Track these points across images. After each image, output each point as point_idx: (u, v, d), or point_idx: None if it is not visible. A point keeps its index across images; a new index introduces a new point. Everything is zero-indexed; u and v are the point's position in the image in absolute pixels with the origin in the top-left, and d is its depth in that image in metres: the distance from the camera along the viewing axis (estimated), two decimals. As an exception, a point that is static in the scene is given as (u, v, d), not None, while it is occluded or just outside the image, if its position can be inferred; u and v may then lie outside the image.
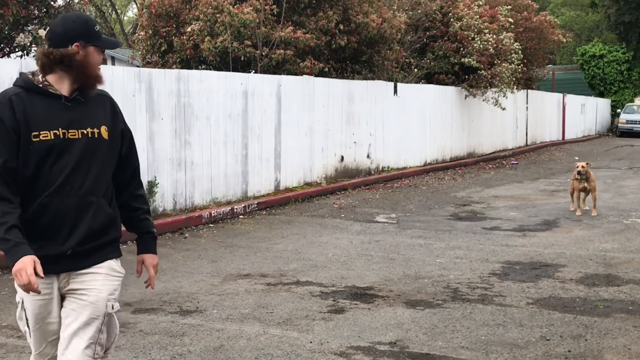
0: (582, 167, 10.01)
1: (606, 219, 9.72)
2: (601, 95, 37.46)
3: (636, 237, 8.39)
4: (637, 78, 37.09)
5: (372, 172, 14.58)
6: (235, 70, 11.87)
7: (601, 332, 4.93)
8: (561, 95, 29.61)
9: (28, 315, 2.86)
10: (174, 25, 12.95)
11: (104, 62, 13.88)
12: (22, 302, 2.86)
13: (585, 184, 10.02)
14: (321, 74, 13.06)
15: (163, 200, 9.28)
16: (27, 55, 8.17)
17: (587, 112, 33.32)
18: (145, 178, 8.98)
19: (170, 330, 4.98)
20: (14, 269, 2.62)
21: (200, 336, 4.86)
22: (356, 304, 5.63)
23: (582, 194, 10.21)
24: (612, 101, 37.51)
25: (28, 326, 2.89)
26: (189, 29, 12.25)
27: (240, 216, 10.01)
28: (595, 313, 5.38)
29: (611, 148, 24.97)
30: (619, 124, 33.55)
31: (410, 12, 17.27)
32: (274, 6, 12.47)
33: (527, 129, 24.61)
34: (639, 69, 37.03)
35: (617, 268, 6.82)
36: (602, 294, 5.91)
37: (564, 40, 25.31)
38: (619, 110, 35.84)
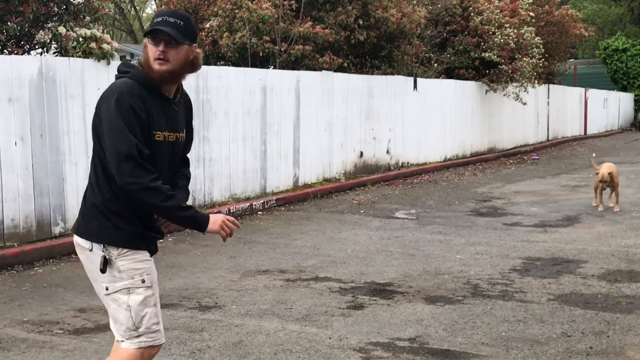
0: (607, 175, 9.70)
1: (629, 214, 9.60)
2: (624, 89, 37.03)
3: (660, 232, 8.29)
4: (661, 72, 36.60)
5: (392, 167, 14.53)
6: (253, 66, 11.88)
7: (623, 329, 4.88)
8: (583, 89, 29.32)
9: (154, 292, 2.98)
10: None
11: (377, 68, 14.12)
12: (148, 284, 2.96)
13: (609, 185, 9.88)
14: (340, 69, 13.03)
15: (182, 196, 9.30)
16: (47, 52, 8.23)
17: (609, 107, 32.98)
18: (164, 174, 9.00)
19: (189, 326, 5.00)
20: (214, 226, 2.94)
21: (219, 332, 4.87)
22: (375, 300, 5.63)
23: (607, 189, 10.10)
24: (635, 95, 37.05)
25: (154, 305, 2.98)
26: (207, 25, 12.28)
27: (259, 212, 10.03)
28: (618, 309, 5.33)
29: (631, 141, 24.69)
30: (643, 119, 33.16)
31: (430, 7, 17.18)
32: (293, 1, 12.46)
33: (548, 123, 24.39)
34: (662, 62, 36.55)
35: (640, 264, 6.74)
36: (625, 290, 5.85)
37: (586, 34, 25.07)
38: (642, 105, 35.44)
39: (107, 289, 2.94)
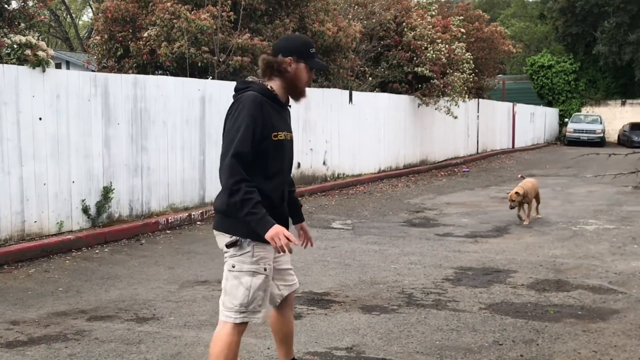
0: (517, 193, 9.95)
1: (555, 225, 9.98)
2: (549, 104, 38.46)
3: (584, 243, 8.62)
4: (584, 88, 38.20)
5: (328, 178, 14.70)
6: (192, 76, 11.85)
7: (552, 337, 5.03)
8: (511, 104, 30.26)
9: (267, 278, 3.55)
10: (131, 30, 12.85)
11: (314, 80, 13.91)
12: (268, 272, 3.55)
13: (523, 199, 10.06)
14: (278, 81, 13.10)
15: (119, 206, 9.21)
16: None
17: (536, 121, 34.12)
18: (100, 184, 8.91)
19: (126, 338, 4.94)
20: (270, 234, 3.29)
21: (157, 344, 4.82)
22: (313, 310, 5.66)
23: (525, 205, 10.35)
24: (560, 110, 38.53)
25: (265, 291, 3.56)
26: (145, 34, 12.17)
27: (198, 222, 10.00)
28: (546, 318, 5.50)
29: (559, 156, 25.62)
30: (567, 133, 34.46)
31: (365, 22, 17.49)
32: (231, 13, 12.49)
33: (478, 137, 25.07)
34: (585, 79, 38.15)
35: (567, 274, 6.99)
36: (553, 299, 6.05)
37: (514, 50, 25.91)
38: (566, 120, 36.86)
39: (233, 266, 3.52)
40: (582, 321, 5.42)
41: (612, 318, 5.49)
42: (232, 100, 3.56)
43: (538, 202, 10.76)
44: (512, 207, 10.07)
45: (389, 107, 17.45)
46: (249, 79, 3.60)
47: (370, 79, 17.59)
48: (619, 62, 35.18)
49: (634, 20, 34.25)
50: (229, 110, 3.49)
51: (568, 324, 5.33)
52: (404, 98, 18.21)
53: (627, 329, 5.19)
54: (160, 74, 12.33)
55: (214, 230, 3.60)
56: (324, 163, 14.59)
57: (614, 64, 35.69)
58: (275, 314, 3.91)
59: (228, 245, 3.47)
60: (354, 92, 15.73)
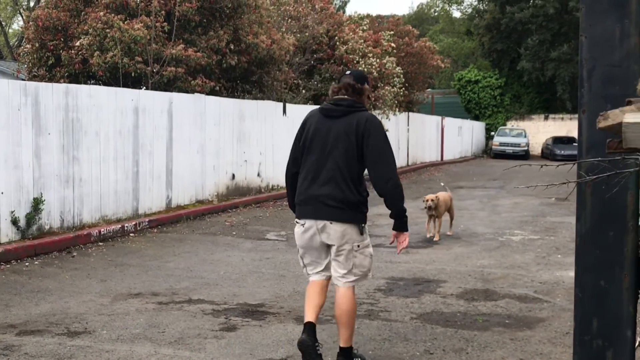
0: (432, 200, 9.93)
1: (483, 236, 10.30)
2: (476, 118, 39.59)
3: (511, 253, 8.93)
4: (509, 103, 39.51)
5: (263, 190, 14.76)
6: (125, 86, 11.74)
7: (481, 345, 5.18)
8: (440, 118, 31.02)
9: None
10: (62, 39, 12.63)
11: (248, 92, 13.85)
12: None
13: (433, 212, 10.00)
14: (212, 92, 13.14)
15: (50, 217, 9.03)
16: None
17: (463, 135, 35.04)
18: (30, 195, 8.72)
19: (57, 353, 4.85)
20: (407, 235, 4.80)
21: (89, 358, 4.76)
22: (248, 321, 5.68)
23: (435, 220, 10.17)
24: (486, 124, 39.71)
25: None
26: (77, 43, 12.00)
27: (131, 234, 9.89)
28: (475, 327, 5.66)
29: (486, 168, 26.36)
30: (493, 146, 35.55)
31: (299, 35, 17.68)
32: (165, 23, 12.45)
33: (408, 149, 25.58)
34: (510, 94, 39.48)
35: (494, 283, 7.23)
36: (481, 309, 6.24)
37: (443, 65, 26.59)
38: (492, 133, 38.01)
39: (360, 245, 4.56)
40: (509, 330, 5.60)
41: (538, 326, 5.70)
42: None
43: (452, 217, 10.54)
44: (429, 209, 9.90)
45: (322, 120, 17.62)
46: (347, 97, 4.58)
47: (303, 91, 17.78)
48: (542, 78, 36.58)
49: (556, 37, 35.71)
50: (357, 121, 4.46)
51: (496, 333, 5.50)
52: (336, 111, 18.43)
53: (552, 337, 5.41)
54: (93, 84, 12.17)
55: (336, 222, 4.47)
56: (258, 174, 14.64)
57: (537, 80, 37.07)
58: (325, 282, 4.75)
59: (360, 232, 4.57)
60: (287, 104, 15.86)
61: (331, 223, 4.45)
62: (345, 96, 4.55)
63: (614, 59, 2.38)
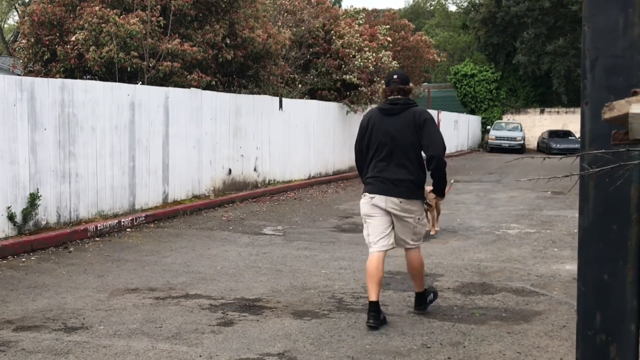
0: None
1: (479, 230, 10.32)
2: (472, 112, 39.60)
3: (507, 247, 8.94)
4: (505, 97, 39.51)
5: (259, 185, 14.76)
6: (121, 81, 11.70)
7: (478, 339, 5.20)
8: (436, 112, 31.02)
9: None
10: (58, 34, 12.59)
11: (244, 87, 14.50)
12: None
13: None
14: (208, 87, 13.11)
15: (46, 213, 9.02)
16: None
17: (459, 129, 35.05)
18: (27, 190, 8.71)
19: (54, 349, 4.85)
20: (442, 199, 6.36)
21: (86, 353, 4.76)
22: (245, 316, 5.69)
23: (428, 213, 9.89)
24: (482, 118, 39.71)
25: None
26: (73, 38, 11.96)
27: (128, 229, 9.88)
28: (472, 321, 5.68)
29: (482, 162, 26.39)
30: (489, 140, 35.56)
31: (295, 29, 17.65)
32: (161, 18, 12.41)
33: (405, 143, 25.54)
34: (506, 88, 39.48)
35: (491, 277, 7.25)
36: (478, 302, 6.26)
37: (439, 59, 26.61)
38: (488, 127, 38.03)
39: (419, 218, 5.62)
40: (506, 323, 5.62)
41: (534, 320, 5.72)
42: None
43: (438, 213, 10.37)
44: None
45: (319, 114, 17.65)
46: (400, 97, 5.64)
47: (299, 86, 17.75)
48: (537, 71, 36.58)
49: (552, 31, 35.70)
50: (413, 115, 5.50)
51: (493, 326, 5.52)
52: (333, 105, 18.45)
53: (549, 330, 5.43)
54: (89, 79, 12.15)
55: (405, 199, 5.49)
56: (255, 169, 14.63)
57: (533, 74, 37.07)
58: (383, 255, 5.64)
59: (421, 207, 5.65)
60: (284, 99, 15.85)
61: (400, 202, 5.49)
62: (399, 96, 5.62)
63: (618, 49, 2.36)
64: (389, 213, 5.53)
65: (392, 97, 5.64)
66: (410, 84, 5.75)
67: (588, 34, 2.42)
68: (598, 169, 2.13)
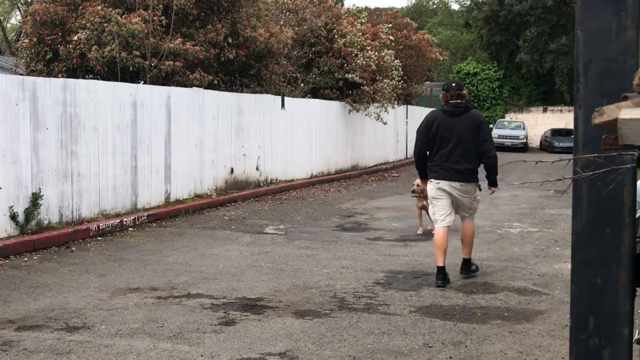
0: (417, 185, 9.49)
1: (481, 229, 10.28)
2: (475, 111, 39.48)
3: (509, 246, 8.95)
4: (508, 95, 39.48)
5: (261, 184, 14.76)
6: (123, 80, 11.72)
7: (479, 338, 5.20)
8: (439, 110, 30.95)
9: None
10: (60, 34, 12.61)
11: (246, 86, 14.73)
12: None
13: (425, 202, 9.49)
14: (210, 86, 13.12)
15: (48, 212, 9.03)
16: None
17: (462, 127, 34.93)
18: (29, 190, 8.72)
19: (56, 348, 4.86)
20: (498, 188, 7.51)
21: (88, 353, 4.76)
22: (246, 316, 5.69)
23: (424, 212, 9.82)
24: (485, 116, 39.60)
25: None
26: (75, 38, 11.97)
27: (130, 229, 9.90)
28: (474, 320, 5.69)
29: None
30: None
31: (297, 28, 17.64)
32: (163, 17, 12.42)
33: (407, 142, 25.58)
34: (509, 86, 39.45)
35: (493, 276, 7.26)
36: (480, 302, 6.26)
37: (441, 58, 26.53)
38: (491, 126, 37.95)
39: (477, 196, 7.00)
40: (508, 322, 5.62)
41: (536, 319, 5.73)
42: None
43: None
44: (412, 191, 9.75)
45: (321, 113, 17.66)
46: (460, 101, 7.01)
47: (302, 85, 17.75)
48: (540, 70, 36.54)
49: (554, 29, 35.65)
50: (472, 116, 6.95)
51: (495, 326, 5.53)
52: (335, 104, 18.44)
53: (551, 330, 5.44)
54: (91, 78, 12.17)
55: (465, 183, 6.88)
56: (257, 168, 14.64)
57: (535, 72, 37.03)
58: (447, 231, 7.05)
59: (479, 189, 7.05)
60: (286, 98, 15.85)
61: (460, 185, 6.87)
62: (459, 100, 6.95)
63: (611, 53, 2.36)
64: (451, 195, 6.88)
65: (453, 101, 6.96)
66: (464, 90, 7.12)
67: (581, 37, 2.42)
68: (590, 173, 2.13)
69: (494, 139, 34.59)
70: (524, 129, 35.49)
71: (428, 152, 7.08)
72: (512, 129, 35.43)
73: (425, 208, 9.77)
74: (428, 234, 9.84)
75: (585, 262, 2.34)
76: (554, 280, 7.13)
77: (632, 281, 2.33)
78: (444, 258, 6.86)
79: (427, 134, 7.01)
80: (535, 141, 37.73)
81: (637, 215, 2.38)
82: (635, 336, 2.47)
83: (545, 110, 38.73)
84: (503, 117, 38.80)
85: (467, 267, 7.24)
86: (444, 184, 6.86)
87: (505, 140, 34.46)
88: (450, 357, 4.80)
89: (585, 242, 2.33)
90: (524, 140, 34.55)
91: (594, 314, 2.33)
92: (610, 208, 2.32)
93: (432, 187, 6.95)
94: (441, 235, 6.91)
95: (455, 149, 6.85)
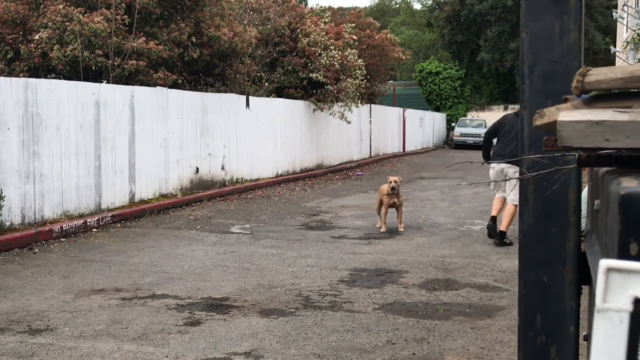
0: (395, 182, 9.89)
1: (444, 226, 10.46)
2: (437, 109, 39.93)
3: (471, 243, 9.10)
4: (469, 94, 39.93)
5: (227, 183, 14.75)
6: (86, 79, 11.61)
7: (442, 335, 5.28)
8: (401, 109, 31.22)
9: None
10: (21, 33, 12.43)
11: (211, 85, 14.48)
12: None
13: (395, 200, 9.92)
14: (175, 85, 13.07)
15: (10, 214, 8.92)
16: None
17: (425, 126, 35.34)
18: (-10, 191, 8.60)
19: (18, 351, 4.82)
20: None
21: (51, 356, 4.73)
22: (212, 315, 5.70)
23: (391, 209, 10.14)
24: (447, 115, 40.08)
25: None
26: (37, 37, 11.82)
27: (94, 229, 9.82)
28: (436, 316, 5.77)
29: (447, 159, 26.67)
30: (454, 137, 35.89)
31: (261, 27, 17.64)
32: (126, 16, 12.33)
33: (371, 141, 25.73)
34: (470, 85, 39.90)
35: (455, 273, 7.37)
36: (442, 298, 6.35)
37: (404, 57, 26.69)
38: (453, 124, 38.39)
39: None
40: (470, 319, 5.72)
41: (498, 315, 5.83)
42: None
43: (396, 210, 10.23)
44: (392, 189, 9.78)
45: (286, 112, 17.69)
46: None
47: (266, 84, 17.76)
48: (501, 69, 37.04)
49: (515, 29, 36.15)
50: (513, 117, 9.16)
51: (457, 322, 5.62)
52: (299, 103, 18.49)
53: (512, 325, 5.52)
54: (53, 78, 12.02)
55: (512, 166, 8.75)
56: (222, 168, 14.62)
57: (496, 71, 37.54)
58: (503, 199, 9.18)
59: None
60: (251, 97, 15.85)
61: (509, 167, 8.85)
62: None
63: (554, 55, 2.39)
64: (503, 174, 8.99)
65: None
66: None
67: (526, 39, 2.45)
68: (535, 173, 2.19)
69: (455, 137, 35.29)
70: (485, 127, 35.90)
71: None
72: (474, 127, 35.85)
73: (395, 205, 9.93)
74: (390, 232, 9.97)
75: (531, 261, 2.39)
76: (514, 276, 7.26)
77: (578, 279, 2.38)
78: (497, 212, 9.06)
79: (495, 130, 9.38)
80: (497, 139, 38.17)
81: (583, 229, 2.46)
82: (584, 333, 2.56)
83: (506, 108, 39.25)
84: (465, 115, 39.23)
85: (502, 236, 8.85)
86: (497, 165, 9.17)
87: (467, 138, 34.86)
88: (414, 354, 4.85)
89: (531, 242, 2.38)
90: (486, 138, 34.94)
91: (541, 312, 2.38)
92: (556, 208, 2.36)
93: (491, 168, 9.42)
94: (497, 201, 9.21)
95: (511, 141, 8.84)
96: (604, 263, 1.04)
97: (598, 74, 1.50)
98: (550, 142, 1.58)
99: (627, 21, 18.03)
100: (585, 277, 2.32)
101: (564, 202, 2.36)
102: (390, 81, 34.04)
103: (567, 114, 1.44)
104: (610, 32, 34.37)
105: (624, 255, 1.19)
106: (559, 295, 2.36)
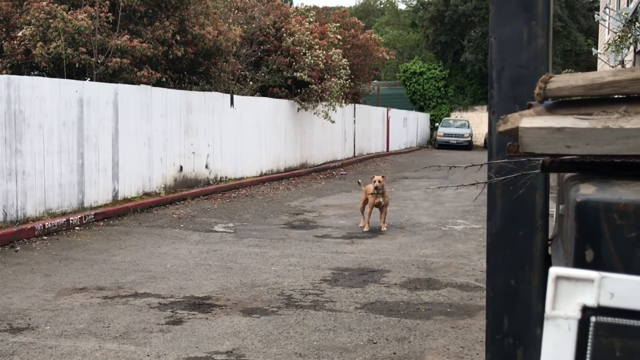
0: (379, 181, 9.94)
1: (426, 226, 10.52)
2: (421, 109, 40.06)
3: (453, 242, 9.15)
4: (453, 94, 40.11)
5: (211, 182, 14.74)
6: (69, 77, 11.55)
7: (423, 334, 5.32)
8: (385, 109, 31.29)
9: None
10: (4, 29, 12.35)
11: (195, 83, 14.29)
12: None
13: (380, 199, 9.99)
14: (159, 83, 13.04)
15: (-9, 212, 8.89)
16: None
17: (409, 126, 35.44)
18: (-29, 189, 8.56)
19: (-1, 350, 4.80)
20: None
21: (32, 354, 4.73)
22: (194, 314, 5.71)
23: (376, 209, 10.18)
24: (431, 115, 40.22)
25: None
26: (20, 34, 11.75)
27: (77, 227, 9.79)
28: (418, 316, 5.81)
29: (431, 159, 26.78)
30: (437, 137, 36.04)
31: (245, 26, 17.64)
32: (110, 14, 12.28)
33: (354, 141, 25.78)
34: (454, 85, 40.07)
35: (437, 272, 7.41)
36: (424, 297, 6.39)
37: (388, 57, 26.74)
38: (437, 124, 38.54)
39: None
40: (451, 318, 5.76)
41: (478, 314, 5.88)
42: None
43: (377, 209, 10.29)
44: (376, 188, 9.82)
45: (270, 111, 17.70)
46: None
47: (251, 83, 17.75)
48: (484, 69, 37.19)
49: (499, 31, 36.36)
50: None
51: (438, 321, 5.66)
52: (284, 102, 18.51)
53: (489, 324, 5.64)
54: (36, 75, 11.95)
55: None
56: (206, 166, 14.61)
57: (480, 72, 37.73)
58: None
59: None
60: (235, 96, 15.84)
61: None
62: None
63: (522, 60, 2.42)
64: None
65: None
66: None
67: (494, 44, 2.48)
68: (502, 178, 2.22)
69: (439, 137, 35.84)
70: (468, 127, 36.14)
71: None
72: (457, 127, 36.02)
73: (381, 205, 9.98)
74: (373, 231, 10.02)
75: (499, 264, 2.41)
76: (494, 276, 7.36)
77: (544, 283, 2.39)
78: None
79: None
80: (479, 139, 38.42)
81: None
82: None
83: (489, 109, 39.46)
84: (448, 115, 39.39)
85: None
86: None
87: (450, 138, 35.01)
88: (395, 353, 4.89)
89: (499, 245, 2.41)
90: (469, 139, 35.18)
91: (509, 315, 2.40)
92: (523, 212, 2.39)
93: None
94: None
95: None
96: (553, 271, 1.06)
97: (560, 81, 1.53)
98: (513, 148, 1.61)
99: (609, 23, 18.22)
100: None
101: (531, 206, 2.39)
102: (375, 81, 34.11)
103: (529, 121, 1.46)
104: (592, 34, 34.67)
105: (580, 261, 1.20)
106: (526, 298, 2.38)
